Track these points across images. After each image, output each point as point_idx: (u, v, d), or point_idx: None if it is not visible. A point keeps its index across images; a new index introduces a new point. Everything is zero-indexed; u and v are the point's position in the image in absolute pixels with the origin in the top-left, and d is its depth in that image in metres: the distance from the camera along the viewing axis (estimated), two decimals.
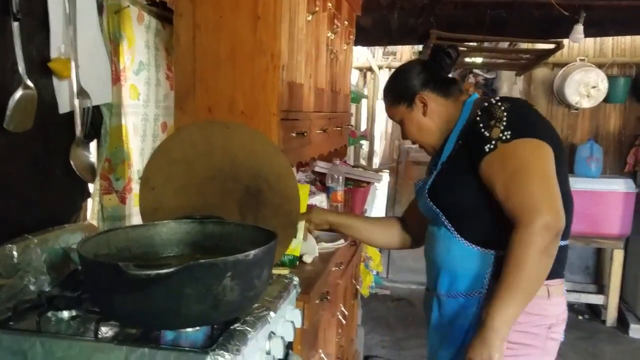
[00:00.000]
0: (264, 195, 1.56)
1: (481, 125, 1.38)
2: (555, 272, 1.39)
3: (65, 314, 1.17)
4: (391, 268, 4.66)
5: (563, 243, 1.39)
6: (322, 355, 1.84)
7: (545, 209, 1.26)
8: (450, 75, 1.59)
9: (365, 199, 2.72)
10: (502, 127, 1.34)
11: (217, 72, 1.60)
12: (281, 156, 1.55)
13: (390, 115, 1.64)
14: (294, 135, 1.70)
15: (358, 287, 2.72)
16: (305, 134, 1.79)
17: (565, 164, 1.45)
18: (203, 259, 1.25)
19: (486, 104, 1.42)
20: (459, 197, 1.41)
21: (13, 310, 1.17)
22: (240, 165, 1.56)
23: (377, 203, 4.08)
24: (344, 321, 2.21)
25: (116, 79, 1.57)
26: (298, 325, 1.39)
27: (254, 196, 1.56)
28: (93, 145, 1.60)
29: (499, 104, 1.39)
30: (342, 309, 2.21)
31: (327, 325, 1.93)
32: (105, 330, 1.10)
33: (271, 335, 1.23)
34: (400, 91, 1.57)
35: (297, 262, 1.77)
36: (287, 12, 1.62)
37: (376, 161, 4.84)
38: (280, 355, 1.23)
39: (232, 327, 1.10)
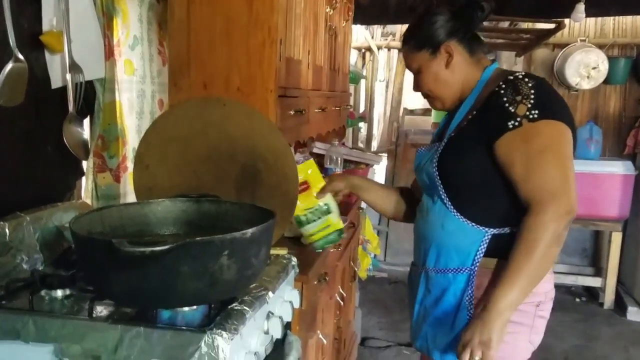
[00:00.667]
0: (260, 174, 1.53)
1: (505, 99, 1.32)
2: None
3: (59, 292, 1.14)
4: (388, 251, 4.65)
5: None
6: (320, 336, 1.82)
7: (564, 195, 1.24)
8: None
9: None
10: (529, 105, 1.29)
11: (213, 47, 1.56)
12: (279, 134, 1.52)
13: (408, 62, 1.52)
14: (291, 113, 1.67)
15: (356, 269, 2.70)
16: (303, 112, 1.76)
17: (575, 148, 1.41)
18: (199, 237, 1.24)
19: (511, 77, 1.35)
20: (465, 171, 1.37)
21: (5, 288, 1.14)
22: (236, 143, 1.52)
23: None
24: (341, 303, 2.20)
25: (109, 53, 1.53)
26: (296, 305, 1.37)
27: (251, 175, 1.54)
28: (87, 122, 1.56)
29: (526, 79, 1.33)
30: (340, 290, 2.19)
31: (325, 306, 1.91)
32: (100, 309, 1.08)
33: (269, 315, 1.21)
34: (425, 37, 1.45)
35: (343, 235, 1.69)
36: None
37: (374, 144, 4.81)
38: (279, 335, 1.21)
39: (229, 307, 1.08)
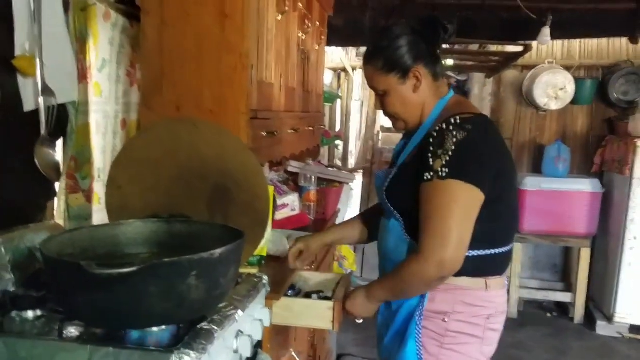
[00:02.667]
0: (232, 193, 1.56)
1: (431, 148, 1.39)
2: (494, 270, 1.49)
3: (30, 313, 1.15)
4: (365, 267, 4.68)
5: (506, 249, 1.50)
6: (293, 354, 1.84)
7: (443, 249, 1.34)
8: None
9: (338, 199, 2.74)
10: (443, 162, 1.36)
11: (184, 69, 1.59)
12: (250, 154, 1.55)
13: (374, 83, 1.51)
14: (264, 134, 1.71)
15: None
16: (275, 133, 1.80)
17: (515, 183, 1.54)
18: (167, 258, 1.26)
19: (445, 125, 1.39)
20: (409, 200, 1.44)
21: None
22: (208, 163, 1.55)
23: (352, 203, 4.10)
24: None
25: (82, 76, 1.55)
26: (267, 324, 1.39)
27: (222, 195, 1.56)
28: (59, 143, 1.57)
29: (454, 132, 1.37)
30: None
31: None
32: (71, 330, 1.09)
33: (239, 334, 1.24)
34: (394, 60, 1.45)
35: (264, 262, 1.77)
36: (256, 11, 1.62)
37: (351, 161, 4.87)
38: (248, 354, 1.23)
39: (198, 326, 1.10)
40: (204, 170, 1.55)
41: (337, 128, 4.82)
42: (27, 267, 1.35)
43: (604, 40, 4.31)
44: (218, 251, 1.02)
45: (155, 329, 1.06)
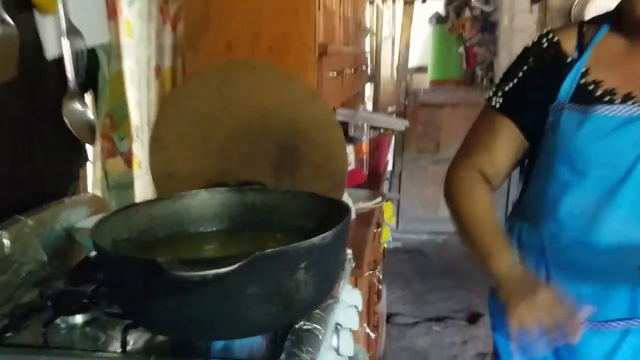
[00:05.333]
0: (301, 153, 1.29)
1: None
2: None
3: (79, 318, 0.90)
4: (401, 219, 4.45)
5: None
6: (368, 330, 1.62)
7: None
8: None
9: (389, 149, 2.46)
10: None
11: None
12: (323, 103, 1.28)
13: None
14: (332, 75, 1.41)
15: (385, 246, 2.49)
16: (342, 74, 1.50)
17: None
18: (246, 237, 1.01)
19: None
20: None
21: (10, 316, 0.90)
22: (271, 117, 1.28)
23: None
24: (380, 287, 1.99)
25: (112, 12, 1.25)
26: (360, 309, 1.15)
27: (290, 155, 1.29)
28: (88, 99, 1.29)
29: None
30: (378, 273, 1.98)
31: (370, 296, 1.70)
32: (133, 340, 0.85)
33: (338, 328, 0.99)
34: None
35: None
36: None
37: (383, 106, 4.53)
38: (351, 352, 0.99)
39: (296, 327, 0.86)
40: (267, 125, 1.28)
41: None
42: (67, 254, 1.11)
43: None
44: (330, 234, 0.76)
45: None
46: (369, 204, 1.70)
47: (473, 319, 2.92)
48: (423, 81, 4.93)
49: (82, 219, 1.18)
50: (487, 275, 1.04)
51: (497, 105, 1.13)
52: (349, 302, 1.11)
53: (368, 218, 1.67)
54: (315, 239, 0.74)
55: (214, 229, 1.02)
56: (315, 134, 1.27)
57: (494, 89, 1.15)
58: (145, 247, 0.93)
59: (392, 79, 4.52)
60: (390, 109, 4.32)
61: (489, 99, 1.15)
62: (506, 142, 1.13)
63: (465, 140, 1.19)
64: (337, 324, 1.01)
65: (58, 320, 0.89)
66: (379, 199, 1.75)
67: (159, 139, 1.31)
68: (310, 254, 0.74)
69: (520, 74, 1.12)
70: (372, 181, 2.11)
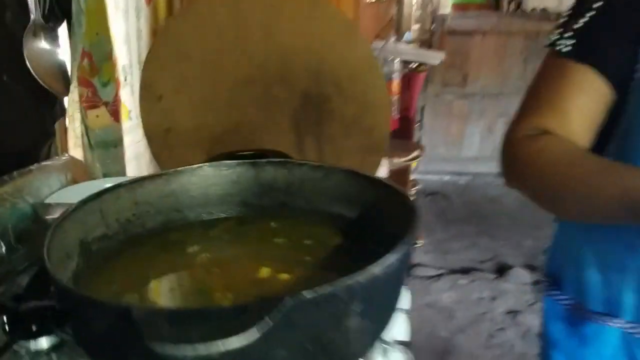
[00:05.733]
0: (331, 103, 1.02)
1: None
2: None
3: (43, 342, 0.68)
4: (421, 159, 4.17)
5: None
6: None
7: None
8: None
9: (420, 88, 2.16)
10: None
11: None
12: (359, 38, 0.99)
13: None
14: (371, 1, 1.11)
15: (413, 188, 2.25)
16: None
17: None
18: (265, 229, 0.76)
19: None
20: None
21: None
22: (292, 57, 1.00)
23: None
24: None
25: None
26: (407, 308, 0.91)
27: (317, 106, 1.03)
28: (62, 33, 1.01)
29: None
30: None
31: None
32: None
33: (386, 350, 0.76)
34: None
35: None
36: None
37: (407, 35, 4.14)
38: None
39: None
40: (288, 68, 1.01)
41: None
42: (34, 238, 0.87)
43: None
44: (393, 257, 0.51)
45: None
46: (403, 159, 1.44)
47: (501, 271, 2.72)
48: (444, 5, 4.50)
49: (56, 190, 0.94)
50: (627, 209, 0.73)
51: (567, 50, 0.82)
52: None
53: (402, 175, 1.41)
54: (377, 269, 0.48)
55: (222, 215, 0.77)
56: (349, 81, 1.00)
57: (559, 29, 0.85)
58: (128, 247, 0.69)
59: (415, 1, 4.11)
60: (407, 35, 3.94)
61: (554, 43, 0.84)
62: (583, 98, 0.82)
63: (526, 98, 0.89)
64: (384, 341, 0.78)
65: (17, 346, 0.66)
66: (416, 152, 1.48)
67: (152, 86, 1.04)
68: (369, 290, 0.49)
69: (598, 4, 0.81)
70: (404, 128, 1.84)
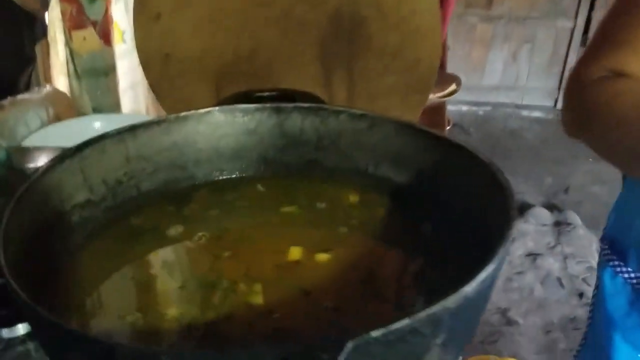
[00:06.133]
0: (367, 29, 0.84)
1: None
2: None
3: (20, 329, 0.54)
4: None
5: None
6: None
7: None
8: None
9: (453, 8, 1.93)
10: None
11: None
12: None
13: None
14: None
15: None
16: None
17: None
18: (289, 192, 0.60)
19: None
20: None
21: None
22: None
23: None
24: None
25: None
26: None
27: (350, 32, 0.84)
28: None
29: None
30: None
31: None
32: None
33: None
34: None
35: None
36: None
37: None
38: None
39: None
40: None
41: None
42: (9, 192, 0.72)
43: None
44: (490, 269, 0.35)
45: None
46: (438, 95, 1.25)
47: (521, 210, 2.59)
48: None
49: (35, 130, 0.78)
50: None
51: None
52: None
53: (436, 114, 1.23)
54: (470, 289, 0.33)
55: (235, 174, 0.61)
56: (391, 1, 0.81)
57: None
58: (119, 216, 0.54)
59: None
60: None
61: None
62: None
63: (599, 33, 0.72)
64: None
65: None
66: (452, 86, 1.30)
67: (149, 2, 0.85)
68: (456, 315, 0.34)
69: None
70: None
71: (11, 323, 0.54)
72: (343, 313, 0.43)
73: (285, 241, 0.51)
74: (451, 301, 0.33)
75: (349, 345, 0.29)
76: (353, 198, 0.58)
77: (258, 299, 0.44)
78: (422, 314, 0.32)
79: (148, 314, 0.43)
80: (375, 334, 0.30)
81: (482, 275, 0.35)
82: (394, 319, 0.31)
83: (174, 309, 0.43)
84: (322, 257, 0.50)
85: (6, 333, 0.54)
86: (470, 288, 0.34)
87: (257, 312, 0.43)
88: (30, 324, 0.40)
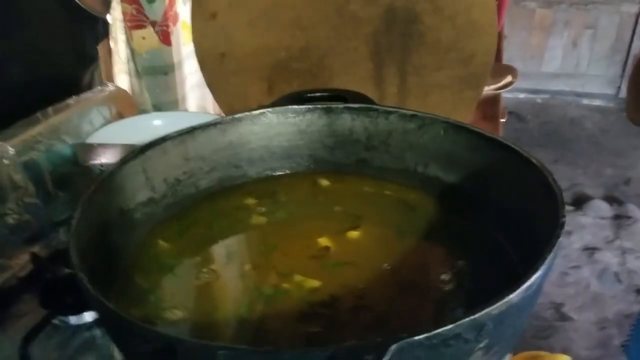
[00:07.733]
0: (422, 24, 0.83)
1: None
2: None
3: (87, 317, 0.58)
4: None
5: None
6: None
7: None
8: None
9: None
10: None
11: None
12: None
13: None
14: None
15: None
16: None
17: None
18: (338, 188, 0.62)
19: None
20: None
21: None
22: None
23: None
24: None
25: None
26: None
27: (403, 28, 0.84)
28: None
29: None
30: None
31: None
32: None
33: None
34: None
35: None
36: None
37: None
38: None
39: None
40: None
41: None
42: (75, 187, 0.77)
43: None
44: (536, 276, 0.36)
45: None
46: (493, 87, 1.23)
47: (579, 202, 2.51)
48: None
49: (99, 127, 0.82)
50: None
51: None
52: None
53: (491, 107, 1.21)
54: (516, 296, 0.34)
55: (286, 171, 0.63)
56: None
57: None
58: (180, 215, 0.57)
59: None
60: None
61: None
62: None
63: None
64: None
65: (55, 321, 0.57)
66: (508, 77, 1.27)
67: (205, 2, 0.88)
68: (500, 321, 0.35)
69: None
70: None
71: (78, 311, 0.58)
72: (385, 313, 0.45)
73: (332, 239, 0.53)
74: (495, 308, 0.33)
75: (393, 348, 0.30)
76: (402, 198, 0.59)
77: (308, 296, 0.46)
78: (466, 320, 0.32)
79: (201, 308, 0.45)
80: (418, 337, 0.31)
81: (527, 282, 0.35)
82: (437, 322, 0.32)
83: (228, 305, 0.46)
84: (373, 257, 0.51)
85: (74, 320, 0.58)
86: (514, 295, 0.34)
87: (304, 311, 0.44)
88: (98, 314, 0.43)
